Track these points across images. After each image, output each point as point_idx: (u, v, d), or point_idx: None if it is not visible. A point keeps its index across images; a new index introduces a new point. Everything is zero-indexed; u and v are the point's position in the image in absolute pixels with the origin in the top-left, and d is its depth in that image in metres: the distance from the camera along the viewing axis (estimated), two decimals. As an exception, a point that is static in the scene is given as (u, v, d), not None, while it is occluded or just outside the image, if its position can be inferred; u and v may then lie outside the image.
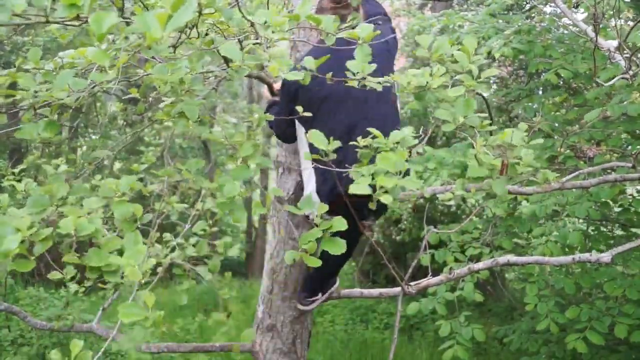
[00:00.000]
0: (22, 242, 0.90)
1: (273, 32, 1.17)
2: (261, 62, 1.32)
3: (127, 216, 1.15)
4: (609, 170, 2.86)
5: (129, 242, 1.01)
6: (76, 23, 1.11)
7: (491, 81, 6.56)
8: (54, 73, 1.46)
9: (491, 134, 1.76)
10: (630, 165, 2.58)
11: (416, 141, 1.52)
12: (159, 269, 2.11)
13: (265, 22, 1.15)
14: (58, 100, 1.29)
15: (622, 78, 2.18)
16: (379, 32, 1.52)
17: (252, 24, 1.18)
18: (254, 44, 1.48)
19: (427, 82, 1.48)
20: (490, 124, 1.72)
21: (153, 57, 1.36)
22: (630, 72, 2.13)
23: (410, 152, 1.53)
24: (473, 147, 1.66)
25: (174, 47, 1.23)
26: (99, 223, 0.99)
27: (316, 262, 1.52)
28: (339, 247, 1.50)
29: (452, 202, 6.37)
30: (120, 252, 1.10)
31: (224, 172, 1.44)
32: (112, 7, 1.26)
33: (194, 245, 2.03)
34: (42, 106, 1.43)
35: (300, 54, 2.45)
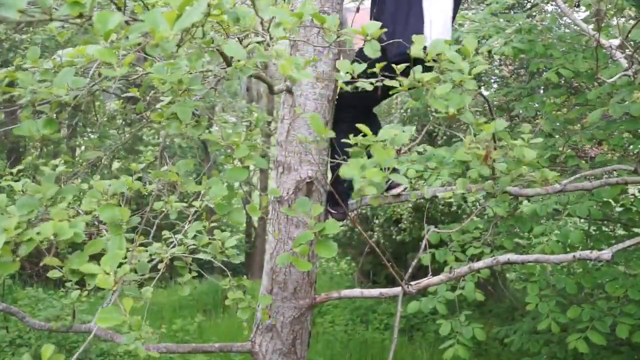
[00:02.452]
0: (8, 243, 0.89)
1: (284, 28, 1.15)
2: (267, 60, 1.30)
3: (115, 220, 1.13)
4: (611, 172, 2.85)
5: (113, 246, 0.99)
6: (79, 21, 1.10)
7: (492, 80, 6.54)
8: (53, 72, 1.44)
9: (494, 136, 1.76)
10: (632, 168, 2.56)
11: (406, 139, 1.52)
12: (160, 266, 2.09)
13: (273, 18, 1.14)
14: (57, 97, 1.27)
15: (624, 75, 2.16)
16: None
17: (262, 22, 1.16)
18: (256, 43, 1.46)
19: (415, 77, 1.49)
20: (484, 120, 1.72)
21: (154, 56, 1.34)
22: (632, 70, 2.12)
23: (399, 150, 1.54)
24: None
25: (178, 45, 1.22)
26: (82, 226, 0.97)
27: (307, 266, 1.50)
28: (331, 250, 1.49)
29: (452, 200, 6.36)
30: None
31: (222, 175, 1.42)
32: (110, 5, 1.24)
33: (193, 238, 2.02)
34: (41, 104, 1.41)
35: (301, 52, 2.44)
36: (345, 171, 1.29)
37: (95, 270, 0.89)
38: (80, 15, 1.03)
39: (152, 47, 1.07)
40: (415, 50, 1.57)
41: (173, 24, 0.90)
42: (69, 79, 1.18)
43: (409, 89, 1.64)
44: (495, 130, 1.69)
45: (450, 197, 2.54)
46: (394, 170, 1.44)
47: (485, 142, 1.67)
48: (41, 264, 1.05)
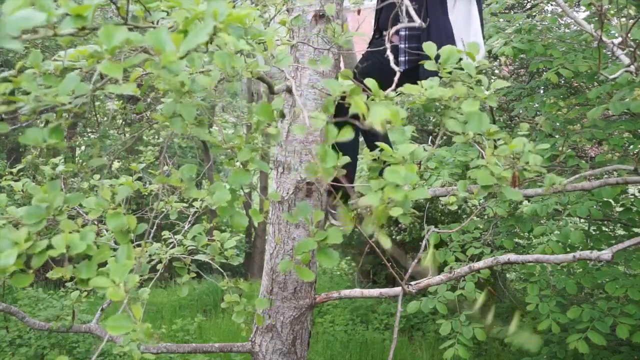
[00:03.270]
0: (19, 256, 0.88)
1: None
2: (266, 69, 1.29)
3: (122, 228, 1.13)
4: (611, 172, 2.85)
5: (122, 256, 0.99)
6: (82, 34, 1.11)
7: (492, 80, 6.54)
8: (56, 75, 1.43)
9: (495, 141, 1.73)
10: (632, 168, 2.56)
11: (425, 153, 1.49)
12: (159, 266, 2.10)
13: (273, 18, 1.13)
14: (62, 105, 1.27)
15: (626, 71, 2.16)
16: None
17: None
18: (255, 44, 1.45)
19: (435, 93, 1.46)
20: (496, 128, 1.69)
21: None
22: (634, 66, 2.11)
23: (420, 164, 1.51)
24: (474, 149, 1.65)
25: (181, 57, 1.21)
26: (92, 237, 0.97)
27: (310, 276, 1.49)
28: (332, 260, 1.48)
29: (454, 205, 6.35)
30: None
31: (222, 175, 1.41)
32: (109, 10, 1.24)
33: (192, 239, 2.02)
34: (43, 110, 1.41)
35: (301, 52, 2.44)
36: (367, 200, 1.26)
37: (105, 284, 0.89)
38: (83, 28, 1.03)
39: (157, 66, 1.07)
40: (429, 63, 1.54)
41: (179, 45, 0.90)
42: (74, 86, 1.17)
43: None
44: (522, 150, 1.64)
45: (452, 203, 2.54)
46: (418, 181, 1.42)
47: (510, 159, 1.62)
48: (51, 273, 1.05)
